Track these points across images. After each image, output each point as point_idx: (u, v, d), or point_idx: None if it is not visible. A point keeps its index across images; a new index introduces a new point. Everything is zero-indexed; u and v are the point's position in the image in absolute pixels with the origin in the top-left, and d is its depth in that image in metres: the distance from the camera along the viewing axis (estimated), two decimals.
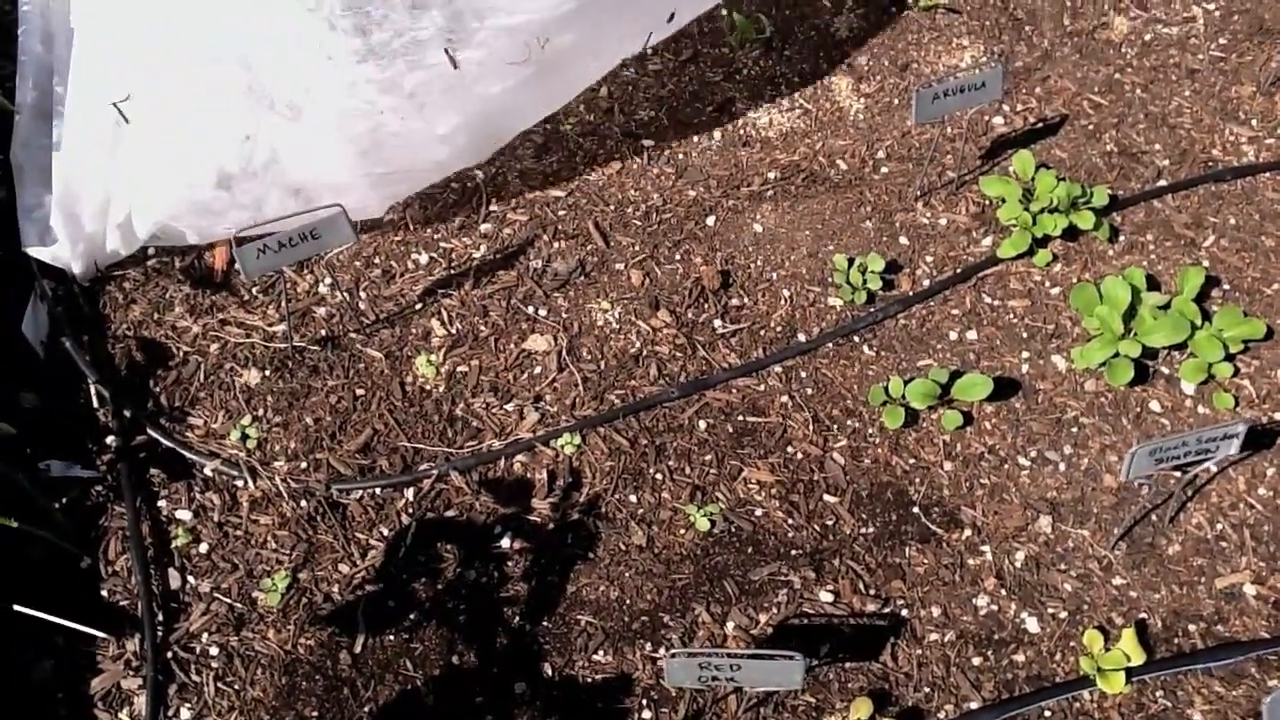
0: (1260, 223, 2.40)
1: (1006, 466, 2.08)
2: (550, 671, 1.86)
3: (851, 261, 2.30)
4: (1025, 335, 2.25)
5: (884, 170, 2.50)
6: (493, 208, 2.44)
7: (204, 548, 1.98)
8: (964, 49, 2.70)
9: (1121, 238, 2.37)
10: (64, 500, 2.02)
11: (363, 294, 2.31)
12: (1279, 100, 2.59)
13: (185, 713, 1.81)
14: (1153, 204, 2.43)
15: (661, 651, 1.86)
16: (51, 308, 2.23)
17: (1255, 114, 2.57)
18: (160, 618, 1.90)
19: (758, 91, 2.63)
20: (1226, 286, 2.30)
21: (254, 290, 2.30)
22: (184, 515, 2.02)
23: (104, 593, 1.93)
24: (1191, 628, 1.90)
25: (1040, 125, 2.56)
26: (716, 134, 2.56)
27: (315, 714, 1.81)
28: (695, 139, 2.55)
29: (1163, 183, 2.46)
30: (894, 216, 2.42)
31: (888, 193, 2.46)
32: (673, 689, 1.82)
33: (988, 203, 2.41)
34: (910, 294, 2.29)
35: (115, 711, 1.81)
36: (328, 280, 2.32)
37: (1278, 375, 2.18)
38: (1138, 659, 1.82)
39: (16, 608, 1.83)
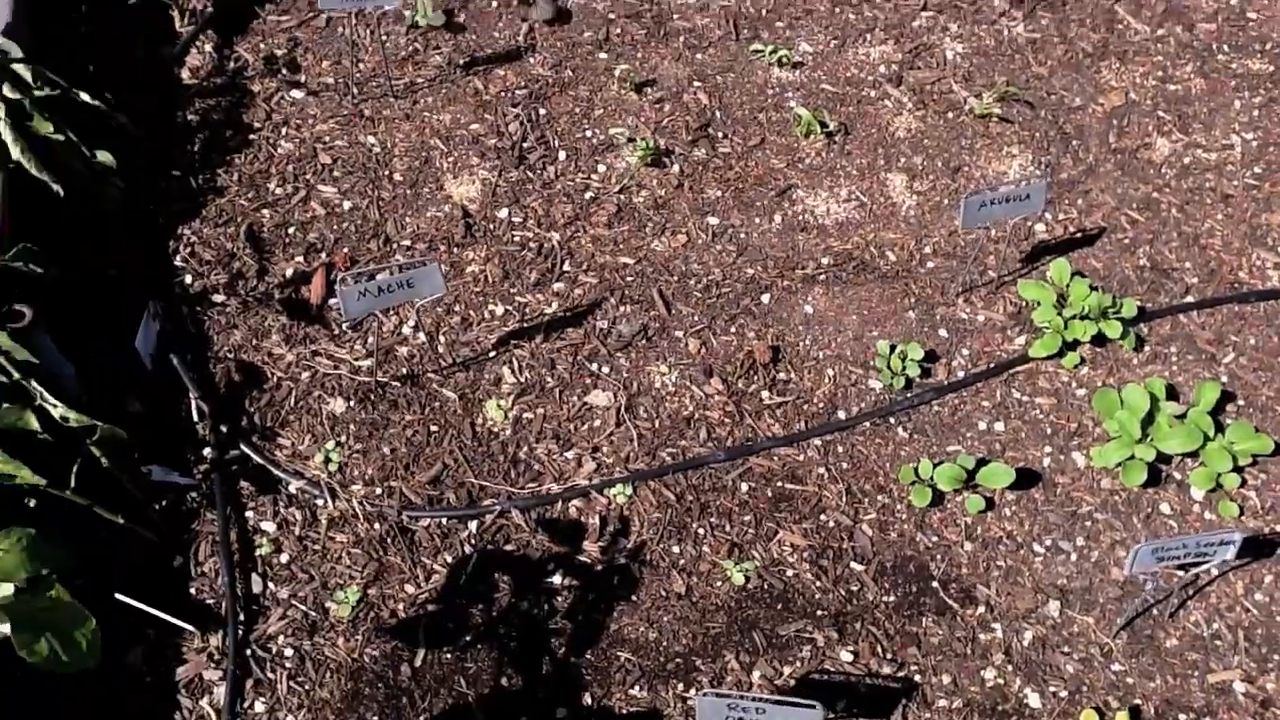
0: (1278, 345, 2.57)
1: (1022, 552, 2.25)
2: (590, 700, 2.04)
3: (893, 348, 2.49)
4: (1049, 431, 2.42)
5: (930, 265, 2.69)
6: (565, 268, 2.65)
7: (284, 558, 2.19)
8: (1013, 157, 2.90)
9: (1146, 348, 2.55)
10: (162, 503, 2.23)
11: (442, 338, 2.52)
12: None
13: (259, 706, 2.00)
14: (1179, 318, 2.61)
15: (692, 692, 2.04)
16: (161, 326, 2.46)
17: None
18: (242, 618, 2.09)
19: (818, 181, 2.84)
20: (1241, 402, 2.47)
21: (344, 326, 2.52)
22: (268, 527, 2.22)
23: (192, 590, 2.13)
24: (1182, 717, 2.06)
25: (1079, 235, 2.75)
26: (777, 218, 2.77)
27: (375, 718, 1.99)
28: (757, 220, 2.76)
29: (1190, 299, 2.64)
30: (935, 309, 2.61)
31: (931, 286, 2.65)
32: (689, 717, 2.00)
33: (1024, 304, 2.60)
34: (945, 383, 2.47)
35: (196, 699, 2.01)
36: (411, 322, 2.53)
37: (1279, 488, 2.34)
38: None
39: (117, 596, 2.04)
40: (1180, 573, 2.19)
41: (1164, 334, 2.58)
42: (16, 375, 2.06)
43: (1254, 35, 3.20)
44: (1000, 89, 3.00)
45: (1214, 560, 1.97)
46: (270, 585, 2.15)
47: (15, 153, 2.35)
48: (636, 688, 2.05)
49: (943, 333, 2.57)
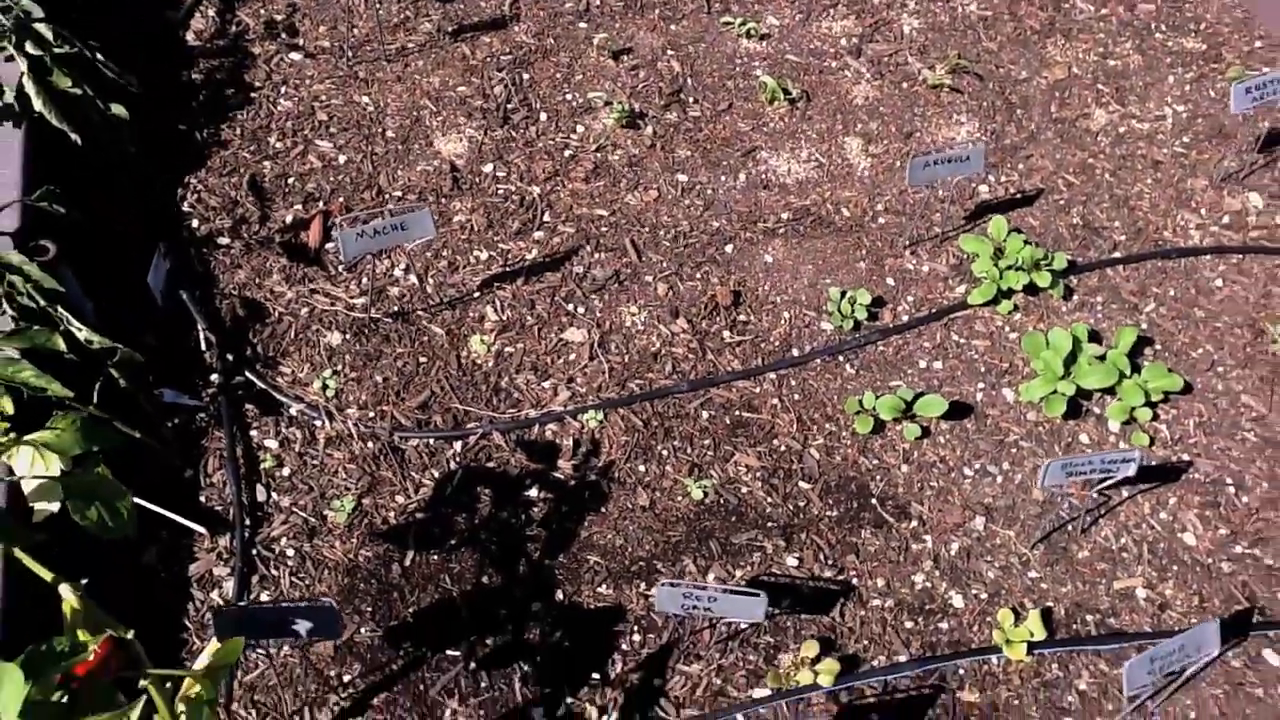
0: (1195, 297, 2.81)
1: (953, 474, 2.49)
2: (561, 597, 2.27)
3: (844, 294, 2.72)
4: (983, 370, 2.66)
5: (881, 221, 2.93)
6: (545, 219, 2.87)
7: (286, 471, 2.41)
8: (961, 124, 3.14)
9: (1075, 297, 2.80)
10: (174, 422, 2.45)
11: (431, 280, 2.74)
12: (1226, 194, 3.01)
13: (264, 597, 2.23)
14: (1105, 272, 2.85)
15: (653, 591, 2.27)
16: (171, 266, 2.67)
17: (1205, 204, 2.99)
18: (248, 523, 2.32)
19: (780, 143, 3.07)
20: (1159, 347, 2.72)
21: (340, 268, 2.74)
22: (271, 444, 2.45)
23: (202, 499, 2.36)
24: (1089, 618, 2.31)
25: (1019, 196, 2.99)
26: (741, 176, 3.00)
27: (369, 609, 2.22)
28: (723, 178, 2.99)
29: (1117, 255, 2.88)
30: (884, 260, 2.84)
31: (881, 240, 2.88)
32: (658, 618, 2.23)
33: (965, 257, 2.84)
34: (890, 326, 2.71)
35: (207, 591, 2.23)
36: (402, 265, 2.75)
37: (1189, 423, 2.59)
38: (1040, 636, 2.23)
39: (135, 500, 2.25)
40: (1094, 494, 2.44)
41: (1092, 285, 2.83)
42: (43, 302, 2.27)
43: (1189, 16, 3.44)
44: (952, 62, 3.23)
45: (1117, 476, 2.22)
46: (273, 495, 2.37)
47: (38, 104, 2.55)
48: (603, 586, 2.29)
49: (890, 281, 2.81)
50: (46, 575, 1.52)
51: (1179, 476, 2.51)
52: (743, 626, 2.23)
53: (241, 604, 2.17)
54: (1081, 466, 2.17)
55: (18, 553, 1.52)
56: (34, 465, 1.61)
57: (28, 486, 1.64)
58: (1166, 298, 2.81)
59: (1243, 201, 3.00)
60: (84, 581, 1.53)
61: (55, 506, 1.69)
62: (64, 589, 1.50)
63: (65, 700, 1.37)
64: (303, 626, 1.83)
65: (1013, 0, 3.45)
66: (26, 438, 1.55)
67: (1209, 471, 2.52)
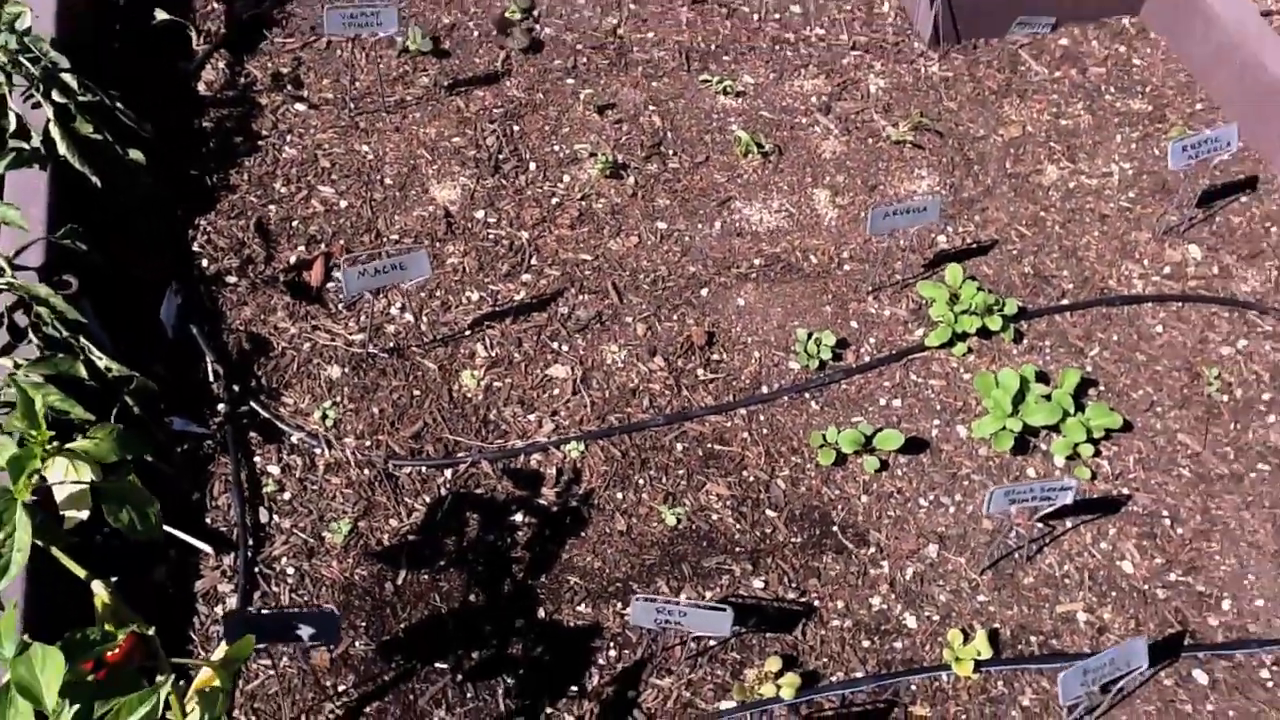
0: (1137, 341, 3.02)
1: (909, 504, 2.68)
2: (543, 614, 2.44)
3: (810, 336, 2.92)
4: (938, 408, 2.86)
5: (846, 268, 3.13)
6: (533, 262, 3.07)
7: (287, 495, 2.58)
8: (922, 178, 3.36)
9: (1025, 341, 3.00)
10: (182, 448, 2.62)
11: (425, 318, 2.93)
12: (1167, 246, 3.23)
13: (265, 613, 2.39)
14: (1054, 318, 3.06)
15: (628, 609, 2.44)
16: (181, 302, 2.85)
17: (1147, 256, 3.21)
18: (250, 543, 2.48)
19: (753, 194, 3.28)
20: (1102, 388, 2.93)
21: (340, 306, 2.93)
22: (273, 470, 2.62)
23: (208, 520, 2.52)
24: (1033, 639, 2.49)
25: (975, 246, 3.20)
26: (717, 224, 3.20)
27: (364, 625, 2.39)
28: (699, 226, 3.19)
29: (1064, 302, 3.09)
30: (849, 305, 3.05)
31: (846, 286, 3.09)
32: (633, 635, 2.40)
33: (923, 302, 3.04)
34: (853, 366, 2.91)
35: (211, 606, 2.39)
36: (399, 304, 2.94)
37: (1130, 459, 2.79)
38: (987, 655, 2.41)
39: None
40: (1039, 524, 2.63)
41: (1041, 330, 3.04)
42: (66, 333, 2.45)
43: (1137, 80, 3.68)
44: (914, 119, 3.46)
45: (1056, 503, 2.41)
46: (275, 517, 2.54)
47: (62, 149, 2.74)
48: (582, 605, 2.46)
49: (854, 324, 3.01)
50: (81, 572, 1.69)
51: (1118, 509, 2.70)
52: (711, 644, 2.41)
53: (249, 609, 2.33)
54: (1023, 494, 2.36)
55: (55, 551, 1.69)
56: (67, 474, 1.78)
57: (59, 494, 1.81)
58: (1110, 342, 3.02)
59: (1183, 253, 3.22)
60: (113, 579, 1.70)
61: (85, 514, 1.87)
62: (96, 585, 1.67)
63: (95, 682, 1.54)
64: (305, 631, 2.00)
65: (972, 63, 3.68)
66: (68, 446, 1.72)
67: (1146, 504, 2.72)
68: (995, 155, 3.43)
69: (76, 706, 1.48)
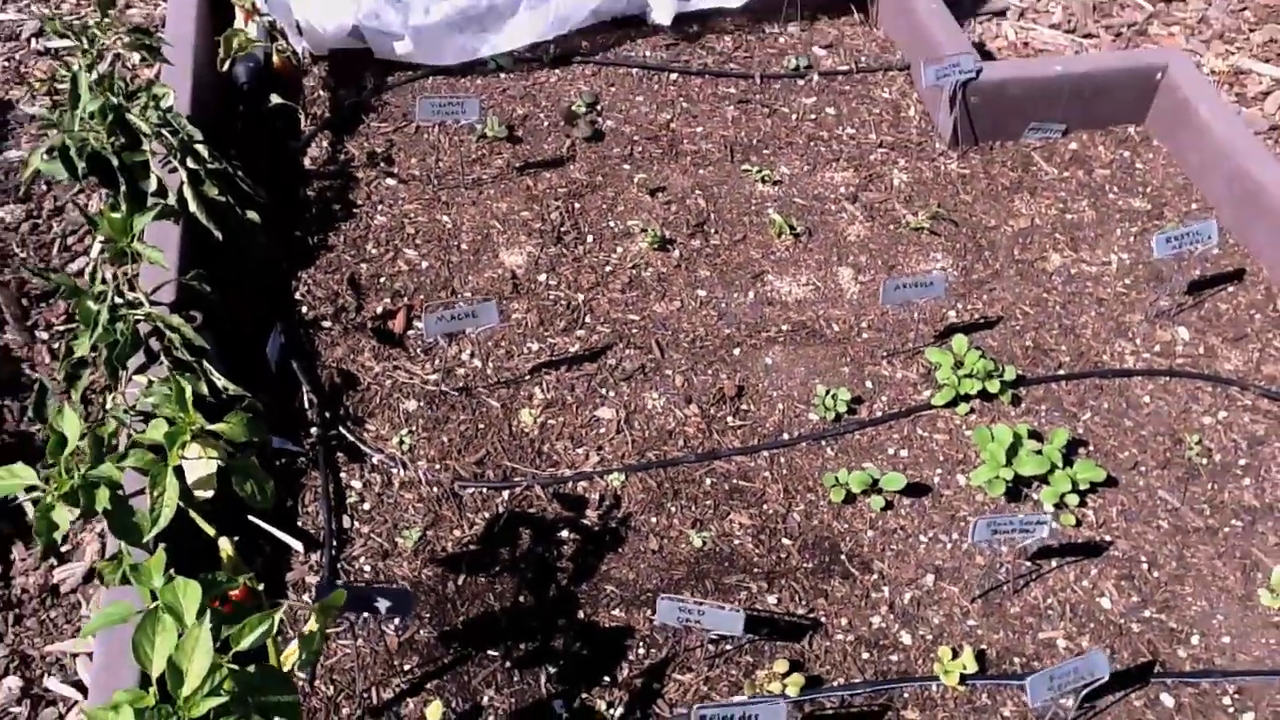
0: (1126, 409, 3.36)
1: (911, 540, 3.02)
2: (582, 615, 2.80)
3: (828, 391, 3.30)
4: (941, 459, 3.21)
5: (864, 336, 3.52)
6: (587, 320, 3.49)
7: (367, 506, 2.98)
8: (936, 261, 3.75)
9: (1022, 405, 3.35)
10: (279, 463, 3.05)
11: (491, 364, 3.35)
12: (1158, 328, 3.58)
13: (351, 585, 2.77)
14: (1050, 386, 3.41)
15: (656, 613, 2.79)
16: (284, 341, 3.31)
17: (1140, 335, 3.56)
18: (334, 544, 2.88)
19: (784, 269, 3.70)
20: (1091, 448, 3.26)
21: (418, 350, 3.36)
22: (356, 484, 3.03)
23: (299, 524, 2.93)
24: (1015, 659, 2.79)
25: (982, 321, 3.58)
26: (750, 294, 3.62)
27: (429, 616, 2.76)
28: (735, 295, 3.61)
29: (1061, 372, 3.44)
30: (865, 368, 3.43)
31: (863, 351, 3.47)
32: (660, 637, 2.75)
33: (932, 367, 3.41)
34: (866, 419, 3.28)
35: (300, 594, 2.79)
36: (469, 351, 3.37)
37: (1113, 511, 3.11)
38: (972, 669, 2.72)
39: (250, 518, 2.84)
40: (1028, 563, 2.95)
41: (1038, 396, 3.39)
42: (191, 357, 2.90)
43: (1139, 181, 4.08)
44: (932, 209, 3.87)
45: (1033, 536, 2.74)
46: (355, 524, 2.94)
47: (192, 206, 3.23)
48: (617, 610, 2.82)
49: (868, 384, 3.39)
50: (210, 530, 2.10)
51: (1100, 553, 3.02)
52: (727, 648, 2.75)
53: (337, 581, 2.71)
54: (1005, 525, 2.70)
55: (191, 512, 2.10)
56: (200, 456, 2.21)
57: (191, 477, 2.23)
58: (1101, 409, 3.36)
59: (1172, 334, 3.57)
60: (235, 539, 2.11)
61: (210, 493, 2.29)
62: (223, 541, 2.08)
63: (223, 612, 1.93)
64: (382, 604, 2.38)
65: (988, 162, 4.10)
66: (210, 427, 2.14)
67: (1126, 550, 3.03)
68: (1004, 243, 3.82)
69: (210, 625, 1.88)
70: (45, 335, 3.50)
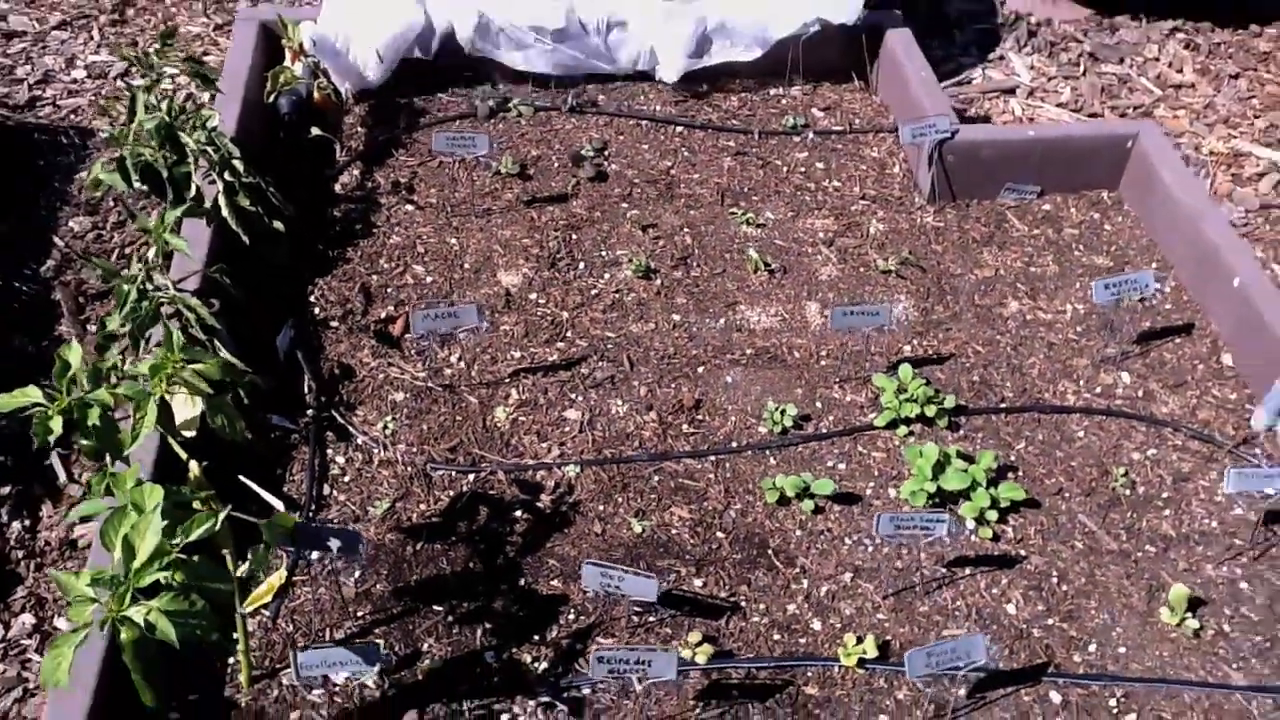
0: (1059, 442, 3.58)
1: (836, 541, 3.27)
2: (523, 584, 3.10)
3: (778, 407, 3.59)
4: (876, 474, 3.47)
5: (822, 363, 3.81)
6: (567, 335, 3.85)
7: (346, 478, 3.34)
8: (900, 301, 4.04)
9: (960, 431, 3.60)
10: (274, 435, 3.43)
11: (475, 367, 3.72)
12: (1102, 372, 3.81)
13: (314, 555, 3.12)
14: (990, 417, 3.65)
15: (589, 585, 3.08)
16: (294, 335, 3.72)
17: (1084, 378, 3.79)
18: (313, 508, 3.24)
19: (756, 302, 4.02)
20: (1021, 474, 3.48)
21: (412, 351, 3.75)
22: (340, 460, 3.40)
23: (285, 489, 3.30)
24: None
25: (934, 356, 3.85)
26: (721, 321, 3.94)
27: (386, 573, 3.09)
28: (707, 321, 3.93)
29: (1003, 406, 3.69)
30: (817, 390, 3.71)
31: (819, 376, 3.76)
32: (591, 606, 3.04)
33: (879, 393, 3.68)
34: (810, 434, 3.56)
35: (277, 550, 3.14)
36: (456, 354, 3.74)
37: (1031, 530, 3.32)
38: (873, 655, 2.95)
39: (240, 478, 3.21)
40: (944, 569, 3.18)
41: (977, 425, 3.63)
42: (204, 336, 3.32)
43: (1105, 241, 4.33)
44: (903, 256, 4.17)
45: (934, 533, 2.98)
46: (334, 492, 3.30)
47: (225, 212, 3.68)
48: (555, 581, 3.12)
49: (818, 404, 3.67)
50: (183, 455, 2.47)
51: (1014, 565, 3.23)
52: (651, 619, 3.02)
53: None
54: (906, 521, 2.95)
55: (170, 440, 2.48)
56: (186, 402, 2.59)
57: (179, 416, 2.62)
58: (1035, 440, 3.59)
59: (1115, 378, 3.79)
60: (204, 463, 2.48)
61: (193, 433, 2.67)
62: (192, 464, 2.45)
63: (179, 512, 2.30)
64: (334, 543, 2.72)
65: (962, 218, 4.40)
66: (191, 365, 2.53)
67: (1039, 565, 3.24)
68: (967, 289, 4.10)
69: (166, 521, 2.24)
70: (94, 329, 3.96)
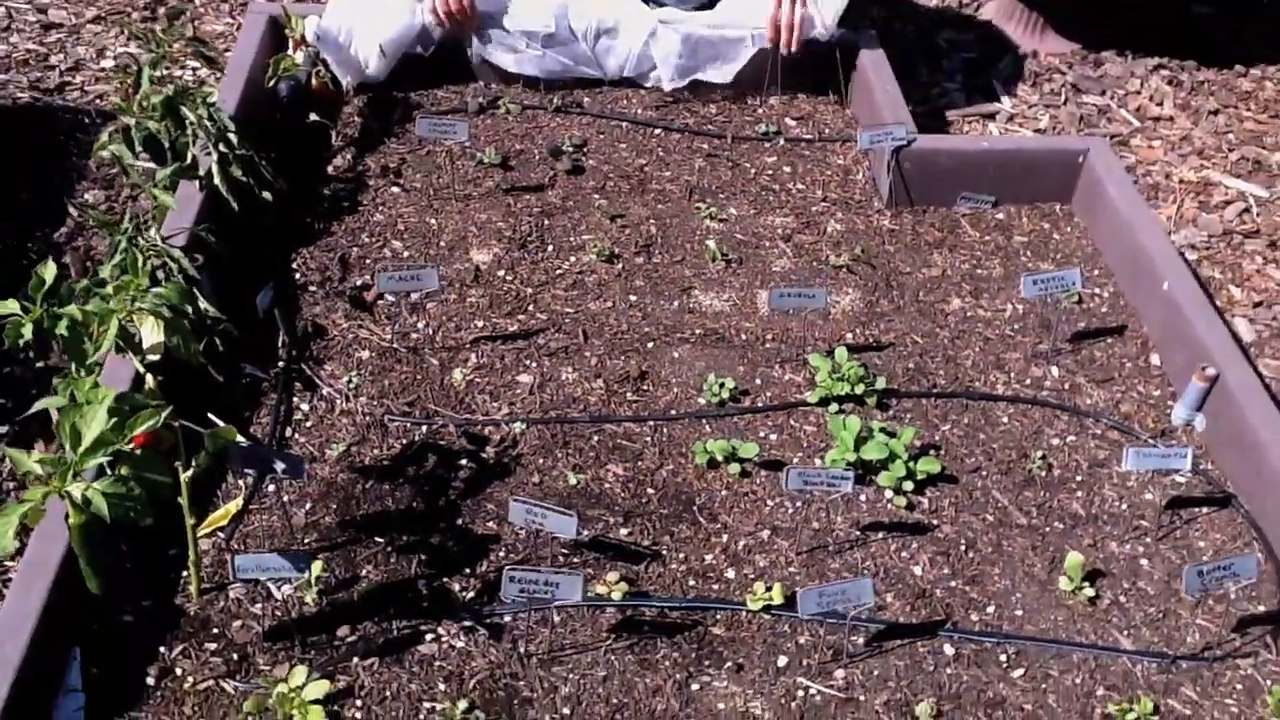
0: (984, 426, 3.78)
1: (759, 503, 3.48)
2: (460, 523, 3.33)
3: (718, 380, 3.81)
4: (805, 445, 3.68)
5: (766, 345, 4.04)
6: (529, 309, 4.10)
7: (309, 424, 3.60)
8: (848, 294, 4.26)
9: (890, 411, 3.80)
10: (245, 381, 3.70)
11: (440, 332, 3.97)
12: (1033, 365, 4.00)
13: (269, 488, 3.37)
14: (920, 401, 3.86)
15: (509, 515, 3.31)
16: (273, 294, 3.99)
17: (1014, 370, 3.99)
18: (274, 447, 3.49)
19: (711, 288, 4.25)
20: (943, 452, 3.68)
21: (383, 316, 4.01)
22: (304, 407, 3.65)
23: (250, 430, 3.56)
24: None
25: (874, 344, 4.06)
26: (675, 303, 4.18)
27: (335, 507, 3.34)
28: (662, 303, 4.17)
29: (934, 391, 3.89)
30: (758, 368, 3.93)
31: (761, 357, 3.98)
32: (521, 545, 3.26)
33: (815, 372, 3.90)
34: (746, 407, 3.78)
35: (238, 479, 3.39)
36: (424, 322, 4.00)
37: (946, 502, 3.52)
38: (779, 603, 3.15)
39: (209, 415, 3.48)
40: (859, 532, 3.39)
41: (906, 407, 3.84)
42: (185, 285, 3.60)
43: (1052, 248, 4.54)
44: (855, 253, 4.40)
45: (840, 490, 3.19)
46: (296, 435, 3.56)
47: (217, 180, 3.98)
48: (490, 523, 3.35)
49: (758, 381, 3.89)
50: (141, 368, 2.74)
51: (925, 533, 3.43)
52: (575, 560, 3.24)
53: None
54: (814, 477, 3.16)
55: (131, 356, 2.75)
56: (154, 328, 2.86)
57: (146, 341, 2.89)
58: (961, 424, 3.79)
59: (1045, 371, 3.99)
60: (160, 378, 2.74)
61: (158, 357, 2.94)
62: (149, 377, 2.71)
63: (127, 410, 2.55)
64: (279, 465, 2.97)
65: (917, 222, 4.62)
66: (152, 291, 2.80)
67: (949, 534, 3.43)
68: (913, 286, 4.32)
69: (114, 420, 2.49)
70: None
